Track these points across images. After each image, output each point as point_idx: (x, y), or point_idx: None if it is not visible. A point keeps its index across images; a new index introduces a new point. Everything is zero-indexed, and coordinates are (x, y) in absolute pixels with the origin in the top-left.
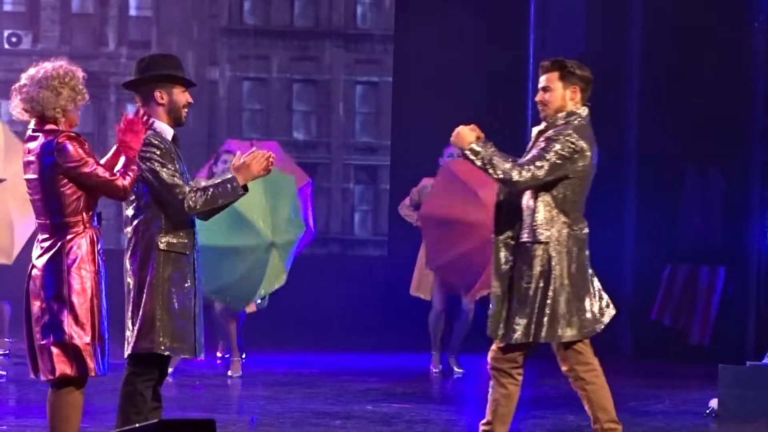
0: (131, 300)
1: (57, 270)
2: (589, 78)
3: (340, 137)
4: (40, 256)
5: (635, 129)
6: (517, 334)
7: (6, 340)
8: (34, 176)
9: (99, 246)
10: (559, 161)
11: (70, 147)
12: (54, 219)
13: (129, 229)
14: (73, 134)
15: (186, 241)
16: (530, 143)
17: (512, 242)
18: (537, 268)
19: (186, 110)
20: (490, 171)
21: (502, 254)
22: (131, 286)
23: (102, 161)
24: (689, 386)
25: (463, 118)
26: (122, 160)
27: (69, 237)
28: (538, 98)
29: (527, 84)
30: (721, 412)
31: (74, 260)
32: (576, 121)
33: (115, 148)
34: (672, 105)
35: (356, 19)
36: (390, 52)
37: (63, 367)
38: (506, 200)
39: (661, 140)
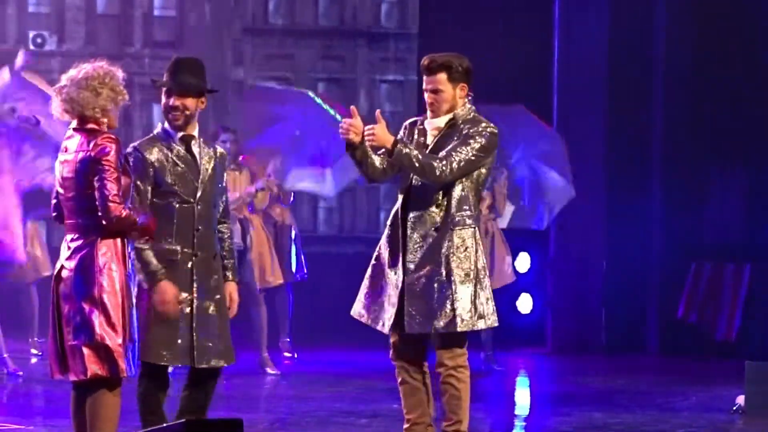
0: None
1: (88, 271)
2: (470, 70)
3: None
4: (71, 257)
5: (660, 128)
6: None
7: (36, 339)
8: (70, 175)
9: (129, 247)
10: (482, 156)
11: (109, 149)
12: (85, 219)
13: None
14: (114, 137)
15: (173, 247)
16: (434, 137)
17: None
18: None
19: (172, 114)
20: (418, 166)
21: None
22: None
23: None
24: (716, 383)
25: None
26: (140, 217)
27: (101, 237)
28: (427, 99)
29: (552, 84)
30: (747, 409)
31: (106, 261)
32: (475, 114)
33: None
34: (696, 103)
35: (380, 17)
36: (414, 50)
37: (94, 367)
38: (419, 186)
39: (685, 139)
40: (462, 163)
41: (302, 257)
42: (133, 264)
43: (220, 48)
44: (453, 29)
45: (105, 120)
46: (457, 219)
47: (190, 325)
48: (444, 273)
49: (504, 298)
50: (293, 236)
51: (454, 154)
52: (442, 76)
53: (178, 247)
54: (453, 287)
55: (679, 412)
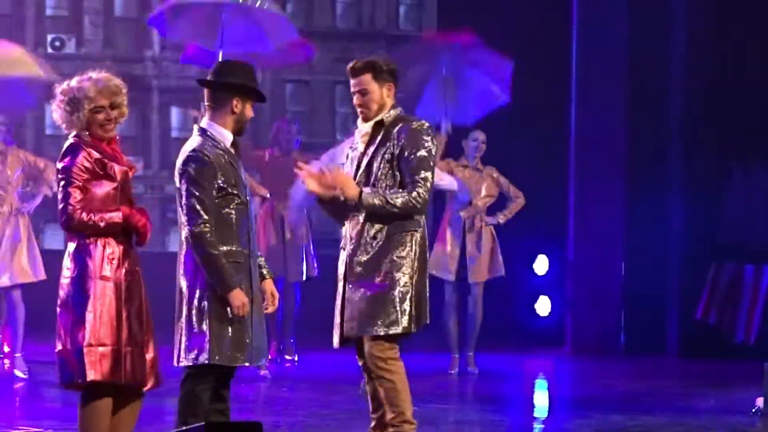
0: (183, 305)
1: (84, 274)
2: (396, 71)
3: None
4: (68, 260)
5: (679, 126)
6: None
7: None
8: (56, 182)
9: (120, 250)
10: (432, 161)
11: (72, 157)
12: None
13: (183, 234)
14: (76, 142)
15: (238, 248)
16: (366, 144)
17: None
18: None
19: (247, 122)
20: (390, 209)
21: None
22: (183, 292)
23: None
24: (735, 385)
25: (507, 117)
26: (121, 214)
27: (88, 242)
28: (356, 102)
29: (570, 83)
30: (767, 411)
31: (101, 264)
32: (402, 114)
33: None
34: (716, 101)
35: (399, 20)
36: None
37: (92, 372)
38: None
39: (705, 138)
40: (429, 182)
41: (312, 256)
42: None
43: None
44: (471, 30)
45: (86, 134)
46: (397, 224)
47: (250, 325)
48: (382, 278)
49: (522, 300)
50: (301, 235)
51: (417, 175)
52: (367, 77)
53: (240, 249)
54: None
55: (699, 414)
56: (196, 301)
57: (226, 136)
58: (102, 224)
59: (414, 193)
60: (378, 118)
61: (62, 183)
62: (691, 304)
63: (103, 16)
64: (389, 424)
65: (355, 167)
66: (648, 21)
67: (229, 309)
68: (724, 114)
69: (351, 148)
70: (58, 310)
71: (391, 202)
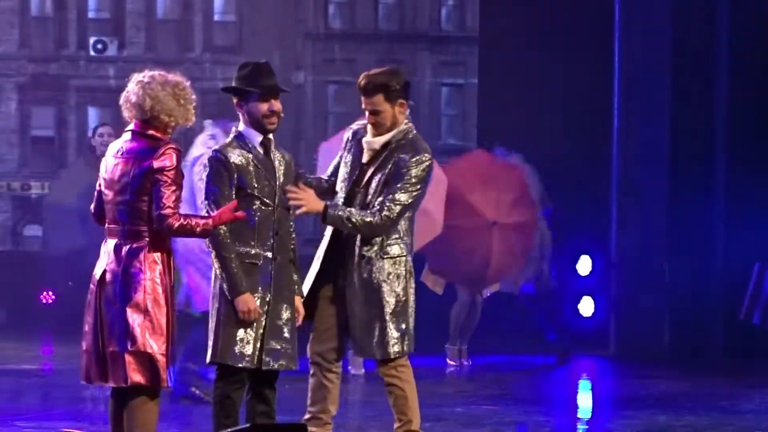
0: (210, 305)
1: (135, 278)
2: (407, 85)
3: (426, 139)
4: (116, 262)
5: (724, 125)
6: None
7: None
8: (125, 179)
9: (174, 258)
10: (419, 190)
11: (173, 161)
12: (135, 225)
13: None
14: (177, 148)
15: (257, 251)
16: (371, 158)
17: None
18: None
19: (270, 118)
20: (355, 227)
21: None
22: (212, 294)
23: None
24: None
25: (549, 118)
26: (200, 219)
27: (149, 245)
28: (369, 120)
29: (612, 83)
30: None
31: (152, 269)
32: (411, 135)
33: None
34: (762, 98)
35: (441, 21)
36: (475, 53)
37: (136, 375)
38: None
39: (750, 135)
40: (400, 209)
41: None
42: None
43: (281, 52)
44: (513, 31)
45: (170, 131)
46: (387, 247)
47: (262, 327)
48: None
49: (566, 301)
50: None
51: (389, 201)
52: (379, 98)
53: (260, 251)
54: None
55: (744, 414)
56: (215, 302)
57: (253, 137)
58: (198, 230)
59: (380, 216)
60: (386, 139)
61: (162, 184)
62: (735, 305)
63: (145, 18)
64: (395, 431)
65: (353, 175)
66: (691, 19)
67: (235, 312)
68: None
69: (346, 149)
70: (112, 310)
71: (352, 219)
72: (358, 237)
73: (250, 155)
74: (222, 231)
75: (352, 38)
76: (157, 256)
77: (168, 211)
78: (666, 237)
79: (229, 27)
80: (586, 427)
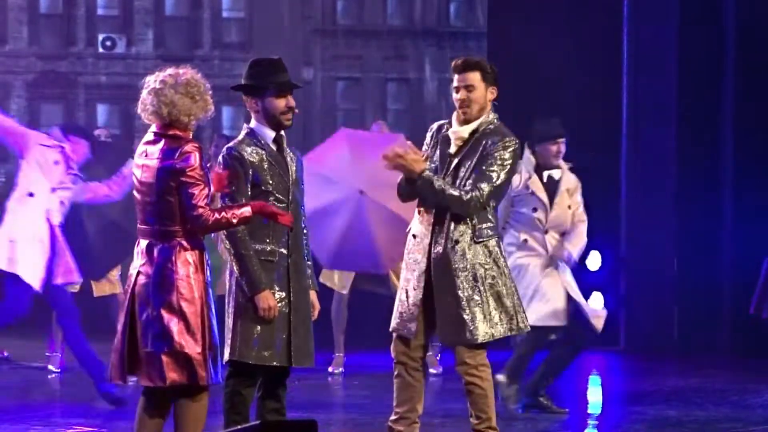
0: (227, 303)
1: (168, 278)
2: (498, 77)
3: None
4: (148, 263)
5: (731, 120)
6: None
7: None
8: (150, 180)
9: (206, 254)
10: (508, 173)
11: (195, 159)
12: (165, 225)
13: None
14: (197, 145)
15: (273, 247)
16: (458, 147)
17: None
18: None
19: (287, 114)
20: (444, 199)
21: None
22: (228, 291)
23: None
24: None
25: (559, 114)
26: (235, 209)
27: (180, 245)
28: (461, 96)
29: (621, 81)
30: None
31: (185, 268)
32: (498, 122)
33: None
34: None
35: (449, 17)
36: (484, 49)
37: (173, 375)
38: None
39: (757, 131)
40: (489, 189)
41: None
42: (210, 271)
43: (289, 49)
44: (522, 27)
45: (191, 126)
46: (480, 231)
47: (288, 325)
48: (470, 284)
49: None
50: None
51: (480, 183)
52: (476, 75)
53: (275, 248)
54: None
55: (754, 409)
56: (230, 299)
57: (266, 134)
58: (235, 221)
59: (471, 195)
60: (474, 126)
61: (189, 185)
62: (745, 299)
63: (153, 15)
64: (475, 430)
65: (442, 167)
66: (697, 18)
67: (252, 309)
68: None
69: (431, 144)
70: (147, 310)
71: (444, 191)
72: (450, 224)
73: (264, 152)
74: (240, 228)
75: (360, 34)
76: (189, 254)
77: (200, 210)
78: (675, 232)
79: (238, 24)
80: (596, 422)
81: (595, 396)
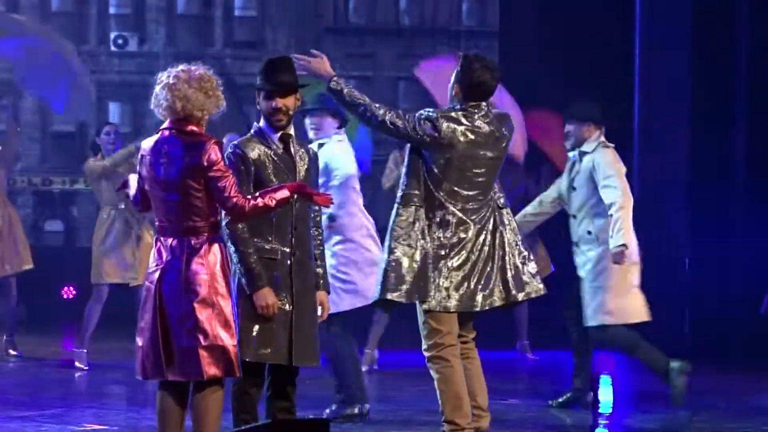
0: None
1: (199, 272)
2: (470, 80)
3: None
4: (176, 259)
5: (744, 125)
6: None
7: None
8: (174, 178)
9: (230, 249)
10: (414, 131)
11: (217, 155)
12: (192, 222)
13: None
14: (215, 140)
15: (275, 245)
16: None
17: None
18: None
19: (275, 116)
20: (352, 104)
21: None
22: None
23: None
24: None
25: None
26: (272, 193)
27: (207, 239)
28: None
29: (633, 80)
30: None
31: (216, 263)
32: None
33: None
34: None
35: (461, 16)
36: (495, 48)
37: (211, 369)
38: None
39: None
40: (390, 120)
41: None
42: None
43: (301, 47)
44: (533, 26)
45: (204, 122)
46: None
47: (289, 324)
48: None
49: None
50: None
51: (398, 111)
52: None
53: (278, 246)
54: None
55: (765, 410)
56: (233, 297)
57: (272, 132)
58: (272, 203)
59: (380, 111)
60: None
61: (217, 179)
62: (757, 299)
63: (165, 13)
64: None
65: None
66: (710, 20)
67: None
68: None
69: None
70: (180, 306)
71: (354, 96)
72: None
73: (269, 150)
74: (240, 226)
75: (372, 33)
76: (215, 248)
77: (234, 199)
78: (687, 231)
79: (250, 22)
80: (607, 422)
81: (606, 395)
